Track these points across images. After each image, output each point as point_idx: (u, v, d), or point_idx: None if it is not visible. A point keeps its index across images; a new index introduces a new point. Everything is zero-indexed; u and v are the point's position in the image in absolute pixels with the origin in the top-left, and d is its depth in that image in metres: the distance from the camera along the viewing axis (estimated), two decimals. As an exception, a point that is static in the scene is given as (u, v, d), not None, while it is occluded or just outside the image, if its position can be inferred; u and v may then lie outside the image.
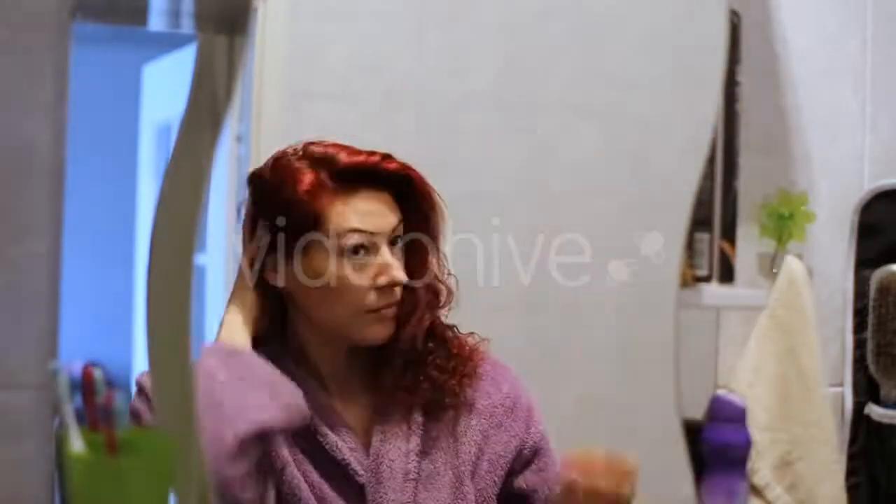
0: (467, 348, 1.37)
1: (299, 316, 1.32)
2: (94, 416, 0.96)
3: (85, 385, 0.98)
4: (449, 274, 1.36)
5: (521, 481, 1.38)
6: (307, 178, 1.28)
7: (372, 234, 1.28)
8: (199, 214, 1.13)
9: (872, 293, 2.07)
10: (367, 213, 1.28)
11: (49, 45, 0.98)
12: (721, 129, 1.92)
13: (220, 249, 1.66)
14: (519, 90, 1.79)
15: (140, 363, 1.40)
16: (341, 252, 1.27)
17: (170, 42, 2.28)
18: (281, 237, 1.28)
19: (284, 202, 1.28)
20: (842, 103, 2.16)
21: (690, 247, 1.90)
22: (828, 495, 2.02)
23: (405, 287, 1.32)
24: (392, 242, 1.30)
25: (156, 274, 1.14)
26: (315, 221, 1.27)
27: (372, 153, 1.29)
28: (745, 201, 1.99)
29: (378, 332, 1.31)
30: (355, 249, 1.27)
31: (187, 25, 1.37)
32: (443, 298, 1.36)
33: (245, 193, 1.33)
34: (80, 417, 0.96)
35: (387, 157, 1.30)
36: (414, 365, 1.32)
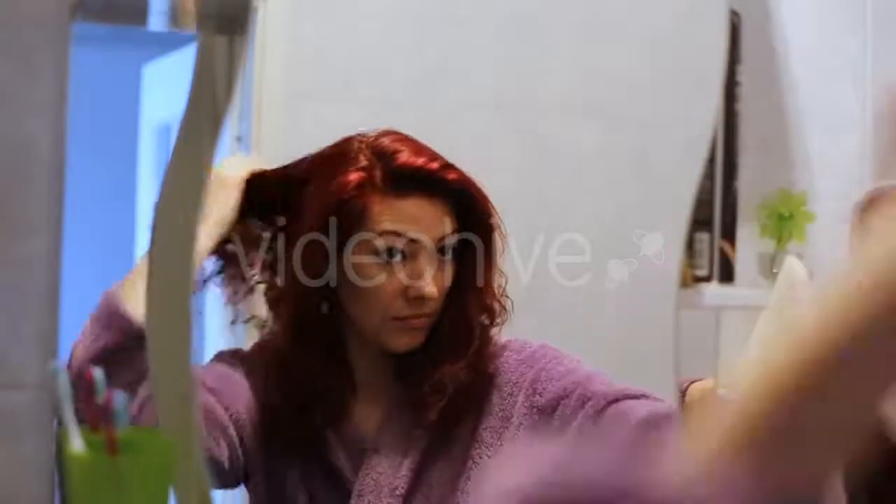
0: (492, 355, 1.31)
1: (340, 312, 1.28)
2: (94, 416, 0.96)
3: (85, 385, 0.98)
4: (504, 294, 1.31)
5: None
6: (358, 172, 1.23)
7: (412, 240, 1.23)
8: (199, 214, 1.13)
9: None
10: (411, 219, 1.23)
11: (49, 45, 0.98)
12: (721, 129, 1.92)
13: (220, 249, 1.66)
14: (519, 90, 1.79)
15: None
16: (376, 253, 1.23)
17: (170, 42, 2.28)
18: (333, 233, 1.23)
19: (332, 193, 1.23)
20: (842, 103, 2.16)
21: (690, 247, 1.90)
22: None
23: (454, 302, 1.27)
24: (440, 252, 1.25)
25: (156, 274, 1.13)
26: (359, 218, 1.23)
27: (434, 158, 1.24)
28: (745, 201, 1.99)
29: (402, 341, 1.26)
30: (391, 253, 1.23)
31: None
32: (496, 318, 1.30)
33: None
34: (80, 417, 0.96)
35: (448, 165, 1.25)
36: (439, 376, 1.26)
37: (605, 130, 1.83)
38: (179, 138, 1.14)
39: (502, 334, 1.34)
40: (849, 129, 2.16)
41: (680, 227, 1.83)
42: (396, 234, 1.23)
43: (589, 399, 1.25)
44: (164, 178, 1.15)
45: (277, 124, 1.76)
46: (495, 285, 1.30)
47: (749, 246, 2.04)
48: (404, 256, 1.24)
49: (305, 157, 1.29)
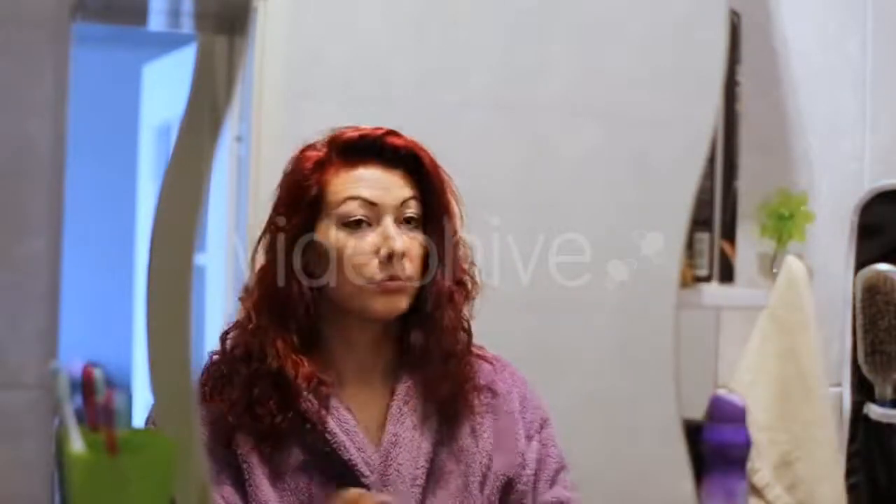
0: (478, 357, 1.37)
1: (328, 306, 1.31)
2: (94, 416, 0.96)
3: (85, 385, 0.98)
4: (472, 263, 1.35)
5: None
6: (313, 154, 1.29)
7: (373, 204, 1.28)
8: (199, 214, 1.13)
9: (859, 293, 2.07)
10: (368, 184, 1.28)
11: (49, 45, 0.98)
12: (721, 129, 1.92)
13: (220, 249, 1.66)
14: (519, 90, 1.79)
15: (140, 363, 1.40)
16: (340, 221, 1.28)
17: (170, 42, 2.28)
18: (326, 227, 1.28)
19: (292, 176, 1.29)
20: (842, 103, 2.16)
21: (690, 247, 1.90)
22: (828, 495, 2.02)
23: (430, 276, 1.31)
24: (404, 220, 1.30)
25: (156, 274, 1.14)
26: (318, 194, 1.28)
27: (378, 128, 1.30)
28: (745, 201, 1.99)
29: (383, 305, 1.29)
30: (355, 220, 1.28)
31: (187, 25, 1.37)
32: (468, 290, 1.34)
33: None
34: (80, 417, 0.96)
35: (392, 132, 1.30)
36: (435, 363, 1.31)
37: (605, 130, 1.82)
38: (179, 138, 1.14)
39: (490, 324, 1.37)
40: (849, 129, 2.16)
41: (680, 227, 1.83)
42: (356, 198, 1.28)
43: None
44: (164, 178, 1.15)
45: (277, 124, 1.76)
46: (461, 255, 1.34)
47: (749, 246, 2.04)
48: (369, 224, 1.28)
49: None
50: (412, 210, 1.30)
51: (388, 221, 1.28)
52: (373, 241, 1.28)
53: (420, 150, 1.31)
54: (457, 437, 1.33)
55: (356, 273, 1.28)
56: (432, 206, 1.32)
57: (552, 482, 1.37)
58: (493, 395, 1.36)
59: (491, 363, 1.38)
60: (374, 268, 1.28)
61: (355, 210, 1.27)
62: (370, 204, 1.28)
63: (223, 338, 1.32)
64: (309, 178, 1.28)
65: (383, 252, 1.27)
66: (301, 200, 1.28)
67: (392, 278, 1.28)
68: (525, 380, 1.41)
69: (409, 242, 1.29)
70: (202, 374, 1.30)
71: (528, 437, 1.37)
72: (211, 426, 1.26)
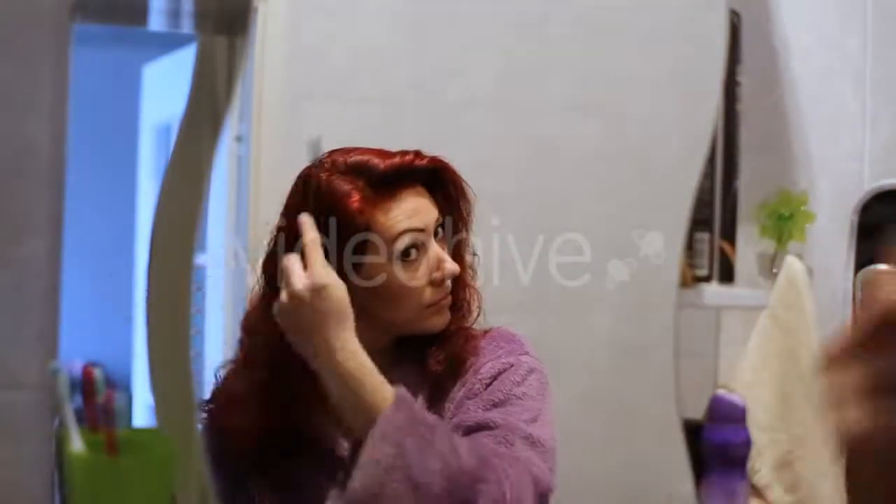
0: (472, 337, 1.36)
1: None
2: (94, 416, 0.96)
3: (85, 385, 0.98)
4: (474, 254, 1.38)
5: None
6: (348, 192, 1.27)
7: (421, 230, 1.29)
8: (199, 214, 1.13)
9: (860, 293, 2.07)
10: (412, 212, 1.29)
11: (49, 45, 0.98)
12: (721, 129, 1.92)
13: (220, 249, 1.66)
14: (519, 90, 1.79)
15: (140, 363, 1.40)
16: (396, 256, 1.28)
17: (170, 42, 2.28)
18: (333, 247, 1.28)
19: (332, 219, 1.27)
20: (842, 103, 2.16)
21: (690, 247, 1.90)
22: (828, 495, 2.02)
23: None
24: (435, 234, 1.32)
25: (156, 274, 1.14)
26: (366, 231, 1.27)
27: (404, 153, 1.30)
28: (745, 201, 1.99)
29: (437, 322, 1.32)
30: (407, 251, 1.28)
31: (187, 25, 1.38)
32: (477, 280, 1.38)
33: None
34: (80, 417, 0.96)
35: (417, 154, 1.30)
36: (436, 354, 1.33)
37: (605, 130, 1.83)
38: (179, 138, 1.14)
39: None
40: (849, 128, 2.16)
41: (680, 227, 1.83)
42: (409, 230, 1.29)
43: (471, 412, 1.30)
44: (164, 178, 1.15)
45: (277, 124, 1.76)
46: (469, 251, 1.37)
47: (749, 246, 2.04)
48: (418, 249, 1.29)
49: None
50: (440, 221, 1.33)
51: (434, 244, 1.31)
52: (426, 266, 1.30)
53: (444, 164, 1.32)
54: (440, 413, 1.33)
55: (414, 300, 1.30)
56: (449, 212, 1.34)
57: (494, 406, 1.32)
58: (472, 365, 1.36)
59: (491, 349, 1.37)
60: (428, 292, 1.31)
61: (411, 241, 1.29)
62: (419, 231, 1.29)
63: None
64: (355, 219, 1.26)
65: (439, 276, 1.31)
66: (347, 237, 1.27)
67: (444, 297, 1.32)
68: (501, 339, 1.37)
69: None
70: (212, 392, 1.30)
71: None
72: (213, 447, 1.26)
